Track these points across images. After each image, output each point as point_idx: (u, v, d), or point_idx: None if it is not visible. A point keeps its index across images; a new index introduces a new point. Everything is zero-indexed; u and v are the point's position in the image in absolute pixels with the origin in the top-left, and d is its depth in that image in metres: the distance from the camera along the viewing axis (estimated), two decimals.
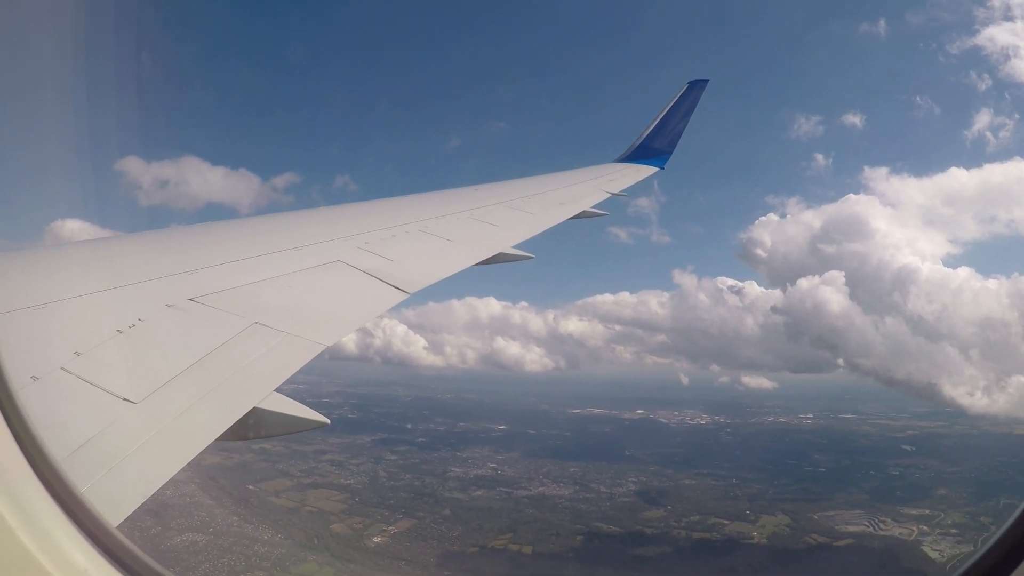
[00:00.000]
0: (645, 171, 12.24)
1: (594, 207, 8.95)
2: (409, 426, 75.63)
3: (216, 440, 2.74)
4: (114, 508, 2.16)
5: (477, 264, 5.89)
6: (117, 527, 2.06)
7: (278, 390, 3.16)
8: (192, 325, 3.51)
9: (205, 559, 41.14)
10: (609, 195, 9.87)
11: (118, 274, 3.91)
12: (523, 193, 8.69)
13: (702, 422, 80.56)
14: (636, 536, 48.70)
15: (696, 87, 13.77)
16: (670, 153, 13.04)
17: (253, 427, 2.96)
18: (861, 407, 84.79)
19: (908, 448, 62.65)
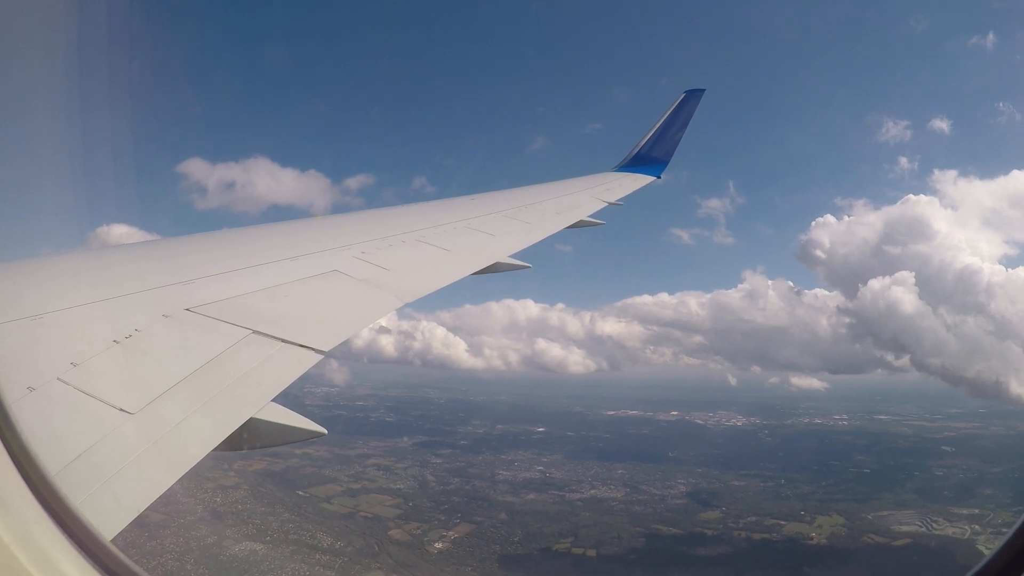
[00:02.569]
0: (642, 180, 12.07)
1: (591, 216, 8.87)
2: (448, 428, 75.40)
3: (213, 451, 2.73)
4: (109, 521, 2.13)
5: (474, 274, 5.92)
6: (111, 540, 2.03)
7: (276, 399, 3.13)
8: (189, 335, 3.48)
9: (268, 569, 40.46)
10: (606, 204, 9.86)
11: (115, 284, 3.89)
12: (520, 203, 8.65)
13: (739, 424, 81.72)
14: (697, 537, 49.27)
15: (693, 96, 13.68)
16: (667, 162, 12.99)
17: (251, 438, 2.93)
18: (894, 408, 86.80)
19: (948, 449, 64.32)
